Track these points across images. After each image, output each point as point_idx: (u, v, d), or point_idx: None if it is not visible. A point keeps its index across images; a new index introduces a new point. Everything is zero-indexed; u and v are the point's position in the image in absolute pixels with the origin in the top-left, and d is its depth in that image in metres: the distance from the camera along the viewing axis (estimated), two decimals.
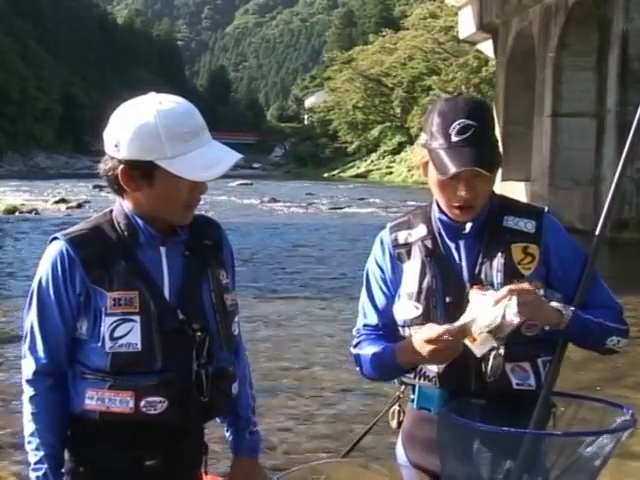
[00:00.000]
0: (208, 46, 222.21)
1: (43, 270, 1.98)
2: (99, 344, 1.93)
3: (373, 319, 2.18)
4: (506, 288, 1.92)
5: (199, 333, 1.98)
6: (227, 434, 2.22)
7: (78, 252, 1.95)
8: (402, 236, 2.17)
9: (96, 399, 1.95)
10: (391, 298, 2.15)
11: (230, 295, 2.08)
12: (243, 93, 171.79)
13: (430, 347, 1.94)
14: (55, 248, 1.97)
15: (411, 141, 57.90)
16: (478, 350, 1.93)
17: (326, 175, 69.79)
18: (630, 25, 18.15)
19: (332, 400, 6.15)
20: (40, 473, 1.97)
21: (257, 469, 2.22)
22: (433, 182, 2.07)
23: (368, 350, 2.14)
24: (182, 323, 1.96)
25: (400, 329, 2.12)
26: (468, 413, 1.96)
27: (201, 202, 2.03)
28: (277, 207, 28.31)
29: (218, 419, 2.18)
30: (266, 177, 63.61)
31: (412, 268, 2.12)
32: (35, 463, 1.98)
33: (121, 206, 2.01)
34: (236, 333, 2.11)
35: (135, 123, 1.88)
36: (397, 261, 2.16)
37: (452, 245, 2.11)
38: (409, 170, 55.67)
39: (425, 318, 2.06)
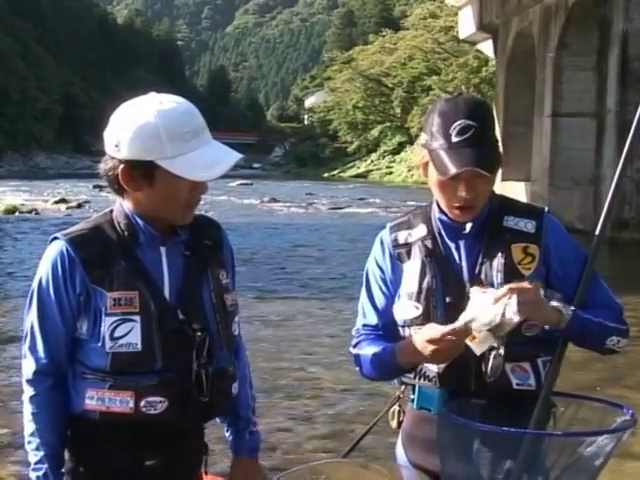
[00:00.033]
0: (208, 46, 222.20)
1: (43, 270, 1.98)
2: (99, 344, 1.93)
3: (373, 319, 2.18)
4: (506, 287, 1.92)
5: (199, 333, 1.98)
6: (227, 434, 2.22)
7: (78, 252, 1.95)
8: (402, 236, 2.17)
9: (96, 399, 1.95)
10: (391, 298, 2.15)
11: (230, 295, 2.08)
12: (243, 93, 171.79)
13: (432, 347, 1.94)
14: (55, 248, 1.97)
15: (411, 141, 57.90)
16: (478, 348, 1.93)
17: (326, 175, 69.81)
18: (630, 25, 18.16)
19: (332, 400, 6.15)
20: (40, 473, 1.97)
21: (257, 469, 2.22)
22: (433, 182, 2.07)
23: (368, 350, 2.14)
24: (182, 323, 1.96)
25: (400, 329, 2.12)
26: (468, 413, 1.96)
27: (201, 202, 2.03)
28: (277, 207, 28.32)
29: (218, 419, 2.18)
30: (266, 177, 63.62)
31: (412, 268, 2.11)
32: (35, 463, 1.98)
33: (121, 206, 2.01)
34: (236, 333, 2.11)
35: (135, 123, 1.88)
36: (397, 261, 2.15)
37: (452, 245, 2.11)
38: (409, 170, 55.68)
39: (425, 318, 2.05)
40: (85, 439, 2.00)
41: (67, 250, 1.95)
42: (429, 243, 2.12)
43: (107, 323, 1.92)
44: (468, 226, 2.08)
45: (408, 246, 2.15)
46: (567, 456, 1.91)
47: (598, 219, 2.11)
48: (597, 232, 2.10)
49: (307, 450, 5.07)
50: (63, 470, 2.01)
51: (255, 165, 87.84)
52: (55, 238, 1.99)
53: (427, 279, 2.08)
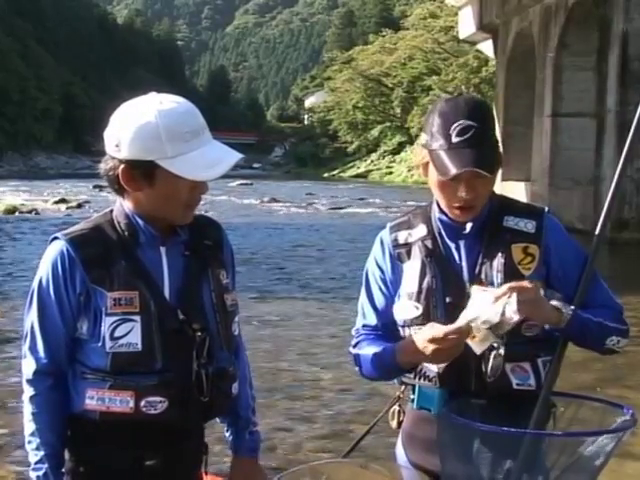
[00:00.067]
0: (208, 46, 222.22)
1: (43, 270, 1.98)
2: (99, 344, 1.93)
3: (372, 319, 2.18)
4: (506, 285, 1.92)
5: (199, 333, 1.98)
6: (227, 434, 2.22)
7: (78, 252, 1.95)
8: (402, 236, 2.17)
9: (96, 399, 1.95)
10: (390, 298, 2.15)
11: (230, 295, 2.08)
12: (243, 93, 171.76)
13: (433, 346, 1.94)
14: (55, 248, 1.97)
15: (411, 141, 57.91)
16: (477, 347, 1.93)
17: (326, 175, 69.81)
18: (630, 25, 18.16)
19: (332, 400, 6.15)
20: (40, 473, 1.97)
21: (257, 469, 2.23)
22: (433, 182, 2.07)
23: (367, 350, 2.14)
24: (182, 323, 1.96)
25: (400, 329, 2.12)
26: (468, 413, 1.96)
27: (201, 202, 2.03)
28: (277, 207, 28.32)
29: (218, 419, 2.18)
30: (266, 177, 63.63)
31: (412, 268, 2.11)
32: (35, 463, 1.98)
33: (121, 206, 2.01)
34: (236, 333, 2.11)
35: (136, 123, 1.88)
36: (397, 261, 2.15)
37: (452, 245, 2.11)
38: (409, 170, 55.68)
39: (425, 318, 2.05)
40: (85, 439, 2.00)
41: (67, 250, 1.95)
42: (429, 243, 2.12)
43: (107, 323, 1.92)
44: (468, 226, 2.08)
45: (408, 246, 2.15)
46: (567, 456, 1.91)
47: (598, 219, 2.11)
48: (597, 232, 2.10)
49: (307, 450, 5.07)
50: (63, 470, 2.01)
51: (255, 165, 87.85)
52: (55, 238, 1.99)
53: (427, 279, 2.08)
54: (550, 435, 1.99)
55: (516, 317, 1.88)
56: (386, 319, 2.15)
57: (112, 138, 1.92)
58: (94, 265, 1.94)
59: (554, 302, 1.99)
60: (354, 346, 2.19)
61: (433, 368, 2.06)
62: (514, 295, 1.89)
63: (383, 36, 66.11)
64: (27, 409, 2.00)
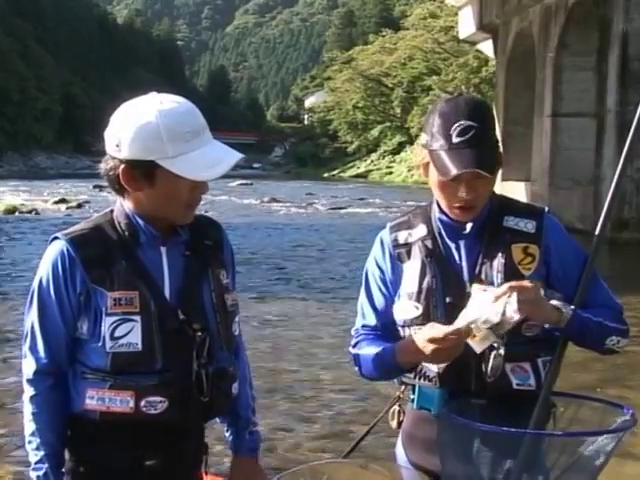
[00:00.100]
0: (208, 46, 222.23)
1: (44, 270, 1.98)
2: (99, 344, 1.93)
3: (372, 320, 2.18)
4: (507, 285, 1.92)
5: (199, 333, 1.98)
6: (227, 434, 2.22)
7: (79, 252, 1.95)
8: (402, 236, 2.17)
9: (96, 399, 1.95)
10: (390, 299, 2.15)
11: (230, 295, 2.08)
12: (243, 93, 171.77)
13: (433, 346, 1.94)
14: (56, 248, 1.97)
15: (411, 141, 57.90)
16: (478, 347, 1.93)
17: (326, 175, 69.80)
18: (630, 25, 18.16)
19: (332, 400, 6.15)
20: (40, 473, 1.97)
21: (257, 469, 2.23)
22: (434, 183, 2.07)
23: (367, 350, 2.14)
24: (182, 323, 1.96)
25: (400, 329, 2.12)
26: (468, 413, 1.96)
27: (201, 202, 2.03)
28: (277, 207, 28.31)
29: (218, 419, 2.18)
30: (266, 177, 63.62)
31: (412, 268, 2.11)
32: (35, 463, 1.98)
33: (122, 206, 2.01)
34: (236, 333, 2.11)
35: (136, 123, 1.88)
36: (397, 261, 2.15)
37: (452, 245, 2.11)
38: (409, 170, 55.68)
39: (425, 318, 2.05)
40: (85, 439, 2.00)
41: (67, 250, 1.95)
42: (429, 243, 2.12)
43: (107, 323, 1.92)
44: (468, 226, 2.08)
45: (408, 246, 2.15)
46: (567, 456, 1.92)
47: (598, 219, 2.11)
48: (597, 232, 2.10)
49: (307, 450, 5.07)
50: (63, 470, 2.01)
51: (255, 165, 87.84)
52: (55, 238, 1.99)
53: (427, 279, 2.08)
54: (550, 435, 1.99)
55: (516, 316, 1.88)
56: (386, 319, 2.15)
57: (112, 138, 1.92)
58: (94, 265, 1.94)
59: (554, 302, 1.99)
60: (354, 346, 2.19)
61: (433, 368, 2.06)
62: (514, 294, 1.89)
63: (383, 36, 66.11)
64: (27, 409, 2.00)
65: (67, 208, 24.94)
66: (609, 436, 1.90)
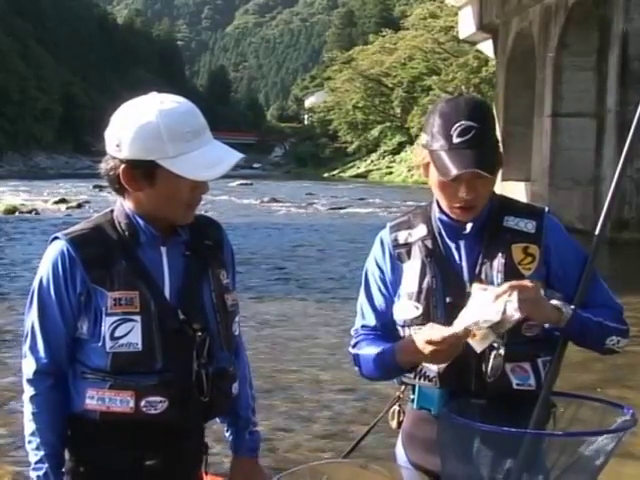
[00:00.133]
0: (208, 46, 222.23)
1: (44, 270, 1.98)
2: (100, 344, 1.93)
3: (371, 320, 2.18)
4: (507, 284, 1.92)
5: (199, 333, 1.98)
6: (227, 434, 2.22)
7: (79, 252, 1.95)
8: (402, 236, 2.17)
9: (96, 399, 1.95)
10: (390, 299, 2.15)
11: (231, 295, 2.08)
12: (243, 93, 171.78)
13: (432, 348, 1.95)
14: (56, 248, 1.97)
15: (411, 141, 57.91)
16: (478, 346, 1.93)
17: (326, 175, 69.80)
18: (630, 25, 18.16)
19: (332, 400, 6.15)
20: (41, 472, 1.97)
21: (257, 469, 2.23)
22: (434, 183, 2.07)
23: (367, 350, 2.14)
24: (182, 323, 1.96)
25: (400, 329, 2.12)
26: (468, 413, 1.96)
27: (201, 202, 2.03)
28: (277, 207, 28.31)
29: (218, 419, 2.18)
30: (266, 177, 63.62)
31: (412, 268, 2.11)
32: (35, 463, 1.98)
33: (122, 206, 2.01)
34: (236, 333, 2.11)
35: (137, 123, 1.88)
36: (397, 261, 2.15)
37: (452, 245, 2.11)
38: (409, 170, 55.68)
39: (425, 318, 2.05)
40: (85, 439, 2.00)
41: (68, 250, 1.95)
42: (429, 243, 2.12)
43: (107, 323, 1.92)
44: (468, 226, 2.08)
45: (408, 246, 2.15)
46: (567, 456, 1.92)
47: (598, 219, 2.11)
48: (597, 232, 2.10)
49: (307, 450, 5.07)
50: (63, 470, 2.01)
51: (255, 165, 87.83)
52: (56, 238, 1.99)
53: (427, 279, 2.08)
54: (550, 435, 1.99)
55: (517, 315, 1.88)
56: (385, 319, 2.15)
57: (113, 138, 1.92)
58: (94, 265, 1.94)
59: (554, 301, 1.99)
60: (353, 346, 2.19)
61: (433, 368, 2.07)
62: (515, 293, 1.89)
63: (383, 36, 66.11)
64: (27, 409, 2.00)
65: (67, 208, 24.95)
66: (609, 436, 1.90)
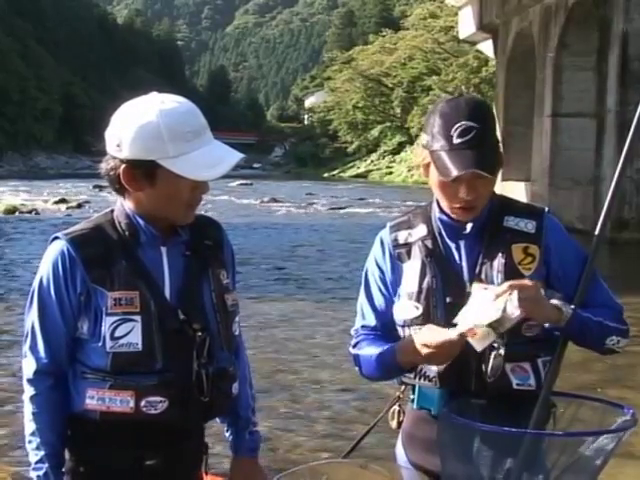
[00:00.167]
0: (208, 46, 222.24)
1: (44, 270, 1.98)
2: (100, 344, 1.93)
3: (371, 320, 2.18)
4: (507, 283, 1.93)
5: (200, 333, 1.98)
6: (227, 434, 2.22)
7: (79, 252, 1.95)
8: (402, 236, 2.17)
9: (96, 399, 1.95)
10: (390, 299, 2.15)
11: (231, 295, 2.08)
12: (243, 93, 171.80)
13: (429, 350, 1.95)
14: (56, 248, 1.97)
15: (411, 141, 57.92)
16: (478, 345, 1.93)
17: (326, 175, 69.78)
18: (630, 25, 18.16)
19: (332, 400, 6.15)
20: (41, 472, 1.97)
21: (257, 469, 2.23)
22: (434, 183, 2.07)
23: (367, 350, 2.14)
24: (183, 323, 1.96)
25: (400, 329, 2.12)
26: (468, 413, 1.96)
27: (202, 202, 2.03)
28: (277, 207, 28.30)
29: (218, 419, 2.18)
30: (266, 177, 63.61)
31: (412, 268, 2.12)
32: (36, 462, 1.98)
33: (122, 206, 2.01)
34: (237, 333, 2.11)
35: (137, 122, 1.88)
36: (397, 261, 2.15)
37: (452, 245, 2.11)
38: (409, 170, 55.67)
39: (425, 318, 2.06)
40: (85, 439, 2.00)
41: (68, 250, 1.95)
42: (429, 243, 2.12)
43: (108, 323, 1.92)
44: (468, 226, 2.08)
45: (408, 246, 2.15)
46: (567, 456, 1.92)
47: (598, 219, 2.11)
48: (597, 232, 2.10)
49: (307, 450, 5.07)
50: (63, 470, 2.01)
51: (255, 165, 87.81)
52: (56, 238, 1.99)
53: (427, 279, 2.08)
54: (550, 435, 1.99)
55: (517, 312, 1.88)
56: (385, 319, 2.15)
57: (113, 138, 1.92)
58: (95, 265, 1.94)
59: (554, 301, 1.99)
60: (354, 346, 2.19)
61: (433, 368, 2.07)
62: (515, 292, 1.89)
63: (383, 36, 66.10)
64: (27, 409, 2.00)
65: (67, 208, 24.94)
66: (609, 436, 1.90)
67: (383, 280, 2.17)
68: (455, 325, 1.95)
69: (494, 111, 2.31)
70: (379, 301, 2.17)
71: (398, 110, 64.58)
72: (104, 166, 1.96)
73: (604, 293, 2.11)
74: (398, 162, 63.17)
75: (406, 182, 53.41)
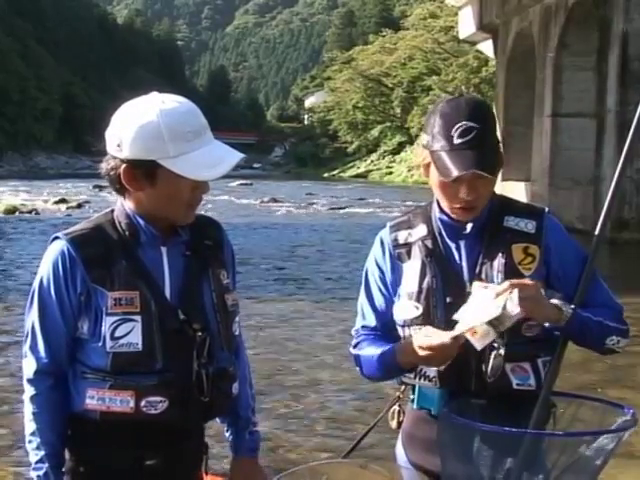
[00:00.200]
0: (208, 46, 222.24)
1: (44, 270, 1.98)
2: (100, 344, 1.93)
3: (372, 320, 2.18)
4: (508, 282, 1.93)
5: (200, 333, 1.98)
6: (227, 434, 2.22)
7: (79, 251, 1.95)
8: (402, 236, 2.17)
9: (97, 399, 1.95)
10: (390, 299, 2.15)
11: (231, 295, 2.08)
12: (243, 93, 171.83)
13: (426, 353, 1.96)
14: (56, 247, 1.97)
15: (411, 141, 57.93)
16: (478, 343, 1.93)
17: (326, 175, 69.79)
18: (630, 25, 18.16)
19: (332, 400, 6.15)
20: (41, 472, 1.97)
21: (257, 469, 2.23)
22: (435, 183, 2.07)
23: (368, 351, 2.14)
24: (183, 323, 1.96)
25: (400, 329, 2.12)
26: (468, 413, 1.96)
27: (202, 202, 2.03)
28: (277, 207, 28.30)
29: (218, 419, 2.18)
30: (266, 177, 63.62)
31: (412, 268, 2.12)
32: (36, 462, 1.98)
33: (122, 206, 2.01)
34: (237, 333, 2.11)
35: (138, 122, 1.88)
36: (397, 261, 2.15)
37: (452, 245, 2.11)
38: (409, 170, 55.68)
39: (425, 318, 2.06)
40: (85, 439, 2.00)
41: (68, 250, 1.95)
42: (429, 243, 2.12)
43: (108, 323, 1.92)
44: (469, 226, 2.08)
45: (408, 246, 2.15)
46: (567, 456, 1.92)
47: (598, 219, 2.11)
48: (597, 232, 2.10)
49: (307, 450, 5.07)
50: (63, 469, 2.01)
51: (255, 165, 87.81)
52: (56, 238, 1.99)
53: (427, 279, 2.08)
54: (550, 435, 1.99)
55: (517, 311, 1.88)
56: (385, 320, 2.16)
57: (114, 138, 1.92)
58: (95, 265, 1.94)
59: (554, 300, 1.99)
60: (354, 347, 2.20)
61: (433, 368, 2.07)
62: (515, 291, 1.89)
63: (383, 36, 66.11)
64: (28, 409, 2.00)
65: (67, 208, 24.93)
66: (609, 436, 1.90)
67: (383, 280, 2.17)
68: (455, 322, 1.95)
69: (494, 111, 2.31)
70: (379, 301, 2.17)
71: (398, 110, 64.59)
72: (104, 166, 1.96)
73: (604, 293, 2.11)
74: (398, 162, 63.17)
75: (406, 182, 53.41)
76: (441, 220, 2.12)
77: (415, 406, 2.15)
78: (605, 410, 2.04)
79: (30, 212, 23.45)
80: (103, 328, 1.93)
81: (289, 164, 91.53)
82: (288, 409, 5.90)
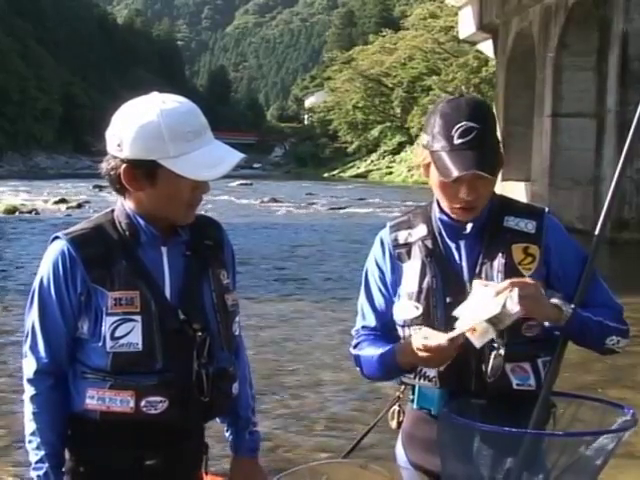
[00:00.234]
0: (208, 46, 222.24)
1: (44, 269, 1.98)
2: (100, 344, 1.93)
3: (372, 321, 2.18)
4: (508, 281, 1.93)
5: (200, 333, 1.98)
6: (227, 434, 2.22)
7: (79, 251, 1.95)
8: (402, 236, 2.17)
9: (97, 399, 1.95)
10: (390, 299, 2.15)
11: (231, 295, 2.08)
12: (243, 93, 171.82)
13: (423, 354, 1.96)
14: (56, 247, 1.97)
15: (411, 141, 57.92)
16: (477, 341, 1.93)
17: (326, 175, 69.78)
18: (630, 25, 18.16)
19: (332, 400, 6.15)
20: (41, 472, 1.97)
21: (257, 469, 2.23)
22: (435, 183, 2.07)
23: (368, 351, 2.14)
24: (183, 323, 1.96)
25: (400, 329, 2.12)
26: (468, 413, 1.96)
27: (202, 202, 2.03)
28: (277, 207, 28.30)
29: (218, 419, 2.18)
30: (266, 177, 63.63)
31: (412, 268, 2.12)
32: (36, 462, 1.99)
33: (123, 206, 2.01)
34: (237, 333, 2.11)
35: (138, 122, 1.88)
36: (397, 261, 2.16)
37: (452, 245, 2.11)
38: (409, 170, 55.67)
39: (425, 318, 2.06)
40: (85, 439, 2.00)
41: (68, 249, 1.95)
42: (429, 243, 2.12)
43: (108, 323, 1.92)
44: (469, 226, 2.08)
45: (408, 246, 2.15)
46: (567, 456, 1.92)
47: (598, 219, 2.11)
48: (597, 232, 2.11)
49: (307, 450, 5.07)
50: (63, 469, 2.01)
51: (255, 165, 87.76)
52: (56, 237, 1.99)
53: (427, 279, 2.08)
54: (550, 435, 1.99)
55: (516, 309, 1.88)
56: (385, 320, 2.16)
57: (114, 138, 1.92)
58: (95, 265, 1.94)
59: (554, 300, 1.99)
60: (354, 347, 2.20)
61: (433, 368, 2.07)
62: (515, 290, 1.89)
63: (383, 36, 66.10)
64: (28, 409, 2.00)
65: (67, 208, 24.93)
66: (609, 436, 1.91)
67: (383, 280, 2.17)
68: (455, 320, 1.95)
69: (494, 111, 2.31)
70: (379, 301, 2.17)
71: (398, 110, 64.58)
72: (104, 166, 1.96)
73: (604, 293, 2.11)
74: (398, 162, 63.16)
75: (406, 182, 53.40)
76: (441, 220, 2.12)
77: (415, 406, 2.15)
78: (605, 410, 2.04)
79: (30, 212, 23.45)
80: (103, 328, 1.93)
81: (289, 164, 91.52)
82: (288, 409, 5.90)
